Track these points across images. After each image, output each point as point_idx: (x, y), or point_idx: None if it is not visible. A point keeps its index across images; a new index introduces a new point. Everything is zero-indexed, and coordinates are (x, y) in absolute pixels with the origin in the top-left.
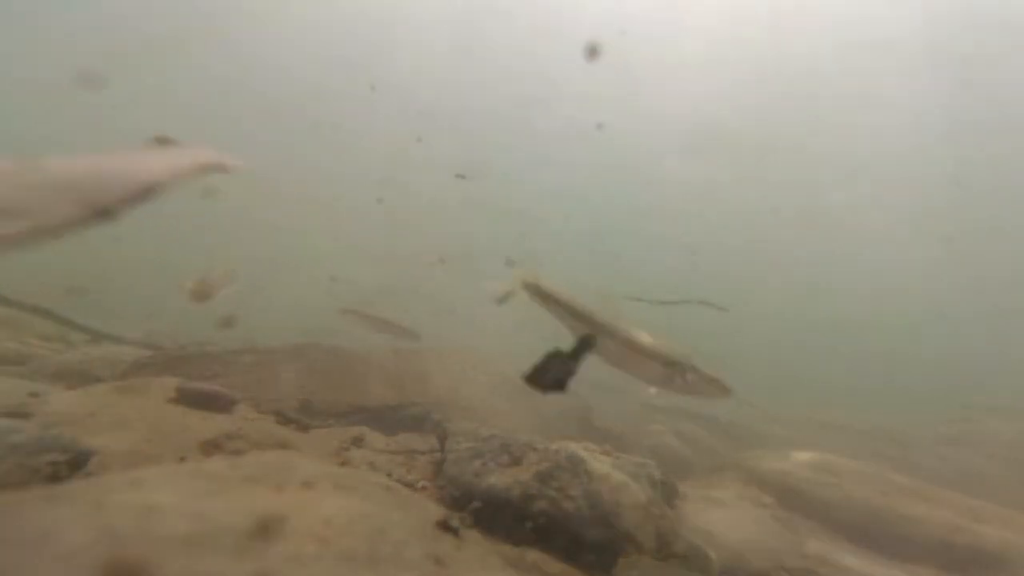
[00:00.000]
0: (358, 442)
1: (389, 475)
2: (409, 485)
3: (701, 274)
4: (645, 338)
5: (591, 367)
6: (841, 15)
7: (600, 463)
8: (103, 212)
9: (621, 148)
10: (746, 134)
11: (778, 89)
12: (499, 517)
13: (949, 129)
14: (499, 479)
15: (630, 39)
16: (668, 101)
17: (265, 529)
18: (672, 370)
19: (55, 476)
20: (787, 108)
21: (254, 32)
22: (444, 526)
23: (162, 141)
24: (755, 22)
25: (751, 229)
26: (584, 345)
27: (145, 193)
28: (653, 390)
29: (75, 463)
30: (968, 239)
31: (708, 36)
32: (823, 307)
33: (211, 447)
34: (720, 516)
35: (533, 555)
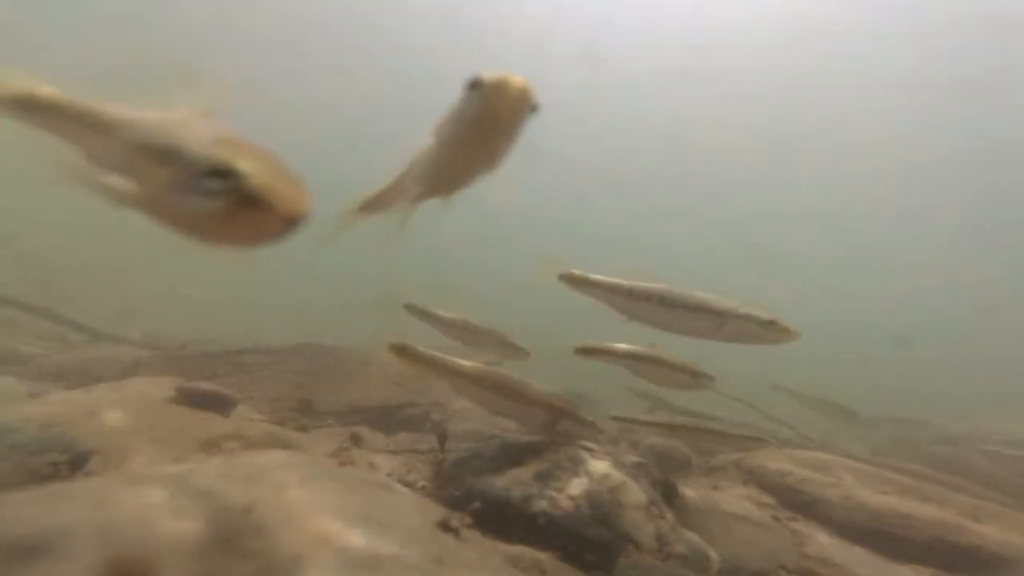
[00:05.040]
0: (358, 442)
1: (389, 475)
2: (409, 485)
3: (709, 275)
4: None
5: (594, 368)
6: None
7: (600, 463)
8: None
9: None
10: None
11: (778, 91)
12: (499, 517)
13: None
14: (499, 479)
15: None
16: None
17: (265, 529)
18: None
19: (55, 476)
20: (788, 111)
21: None
22: (444, 526)
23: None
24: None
25: (759, 230)
26: None
27: None
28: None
29: (75, 463)
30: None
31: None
32: (826, 307)
33: (211, 447)
34: (720, 516)
35: (533, 555)
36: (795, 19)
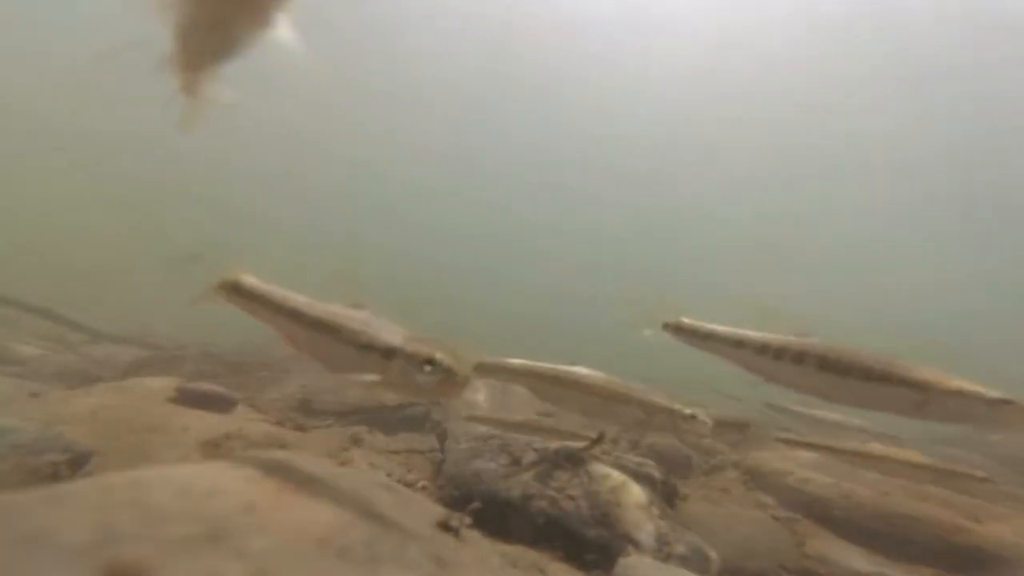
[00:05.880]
0: (358, 442)
1: (389, 475)
2: (409, 485)
3: (710, 273)
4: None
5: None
6: (831, 15)
7: (600, 463)
8: None
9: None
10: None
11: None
12: (499, 517)
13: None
14: (499, 479)
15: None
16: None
17: (265, 529)
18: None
19: (55, 476)
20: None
21: None
22: (444, 526)
23: None
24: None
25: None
26: None
27: None
28: None
29: (75, 463)
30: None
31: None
32: (826, 305)
33: (211, 447)
34: (720, 516)
35: (533, 555)
36: (793, 15)
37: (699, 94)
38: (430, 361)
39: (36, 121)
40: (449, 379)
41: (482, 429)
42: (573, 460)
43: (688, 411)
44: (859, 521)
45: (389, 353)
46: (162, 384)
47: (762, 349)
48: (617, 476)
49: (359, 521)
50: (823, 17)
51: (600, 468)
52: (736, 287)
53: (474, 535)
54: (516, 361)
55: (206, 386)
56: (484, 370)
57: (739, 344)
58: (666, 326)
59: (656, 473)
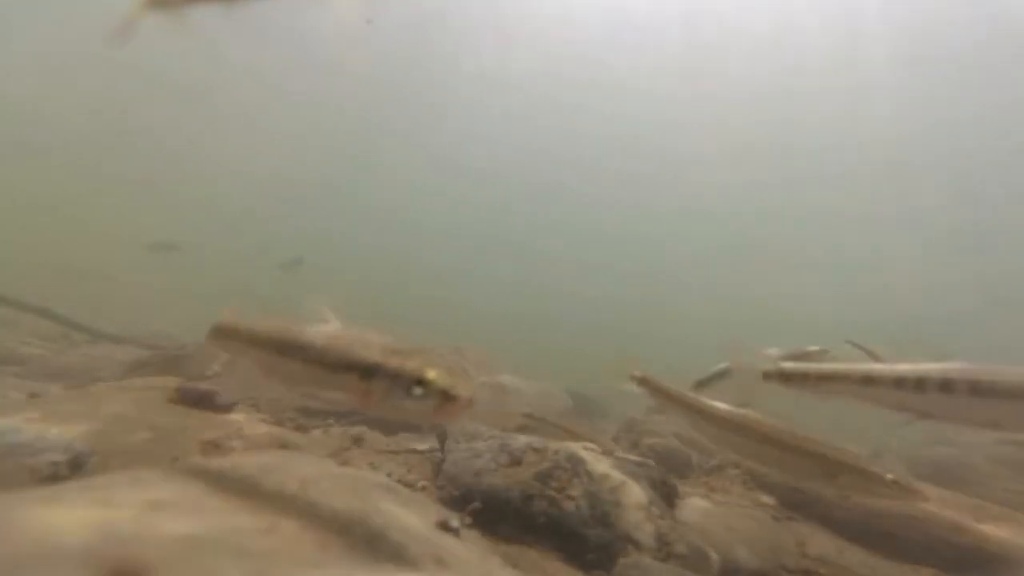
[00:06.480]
0: (358, 442)
1: (389, 475)
2: (409, 485)
3: (709, 273)
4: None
5: (594, 370)
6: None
7: (600, 463)
8: None
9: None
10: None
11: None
12: (499, 517)
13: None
14: (499, 479)
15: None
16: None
17: (265, 529)
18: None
19: (55, 476)
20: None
21: None
22: (444, 526)
23: None
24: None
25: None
26: None
27: None
28: None
29: (75, 463)
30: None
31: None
32: (827, 307)
33: (211, 447)
34: (720, 516)
35: (533, 555)
36: (794, 18)
37: (699, 95)
38: (421, 381)
39: (36, 120)
40: (447, 403)
41: (483, 429)
42: (573, 460)
43: (890, 476)
44: (859, 521)
45: (369, 372)
46: (162, 384)
47: (899, 382)
48: (617, 476)
49: (359, 522)
50: (826, 19)
51: (600, 468)
52: (736, 287)
53: (474, 535)
54: (686, 393)
55: (206, 386)
56: (646, 386)
57: (868, 381)
58: (767, 375)
59: (656, 473)
